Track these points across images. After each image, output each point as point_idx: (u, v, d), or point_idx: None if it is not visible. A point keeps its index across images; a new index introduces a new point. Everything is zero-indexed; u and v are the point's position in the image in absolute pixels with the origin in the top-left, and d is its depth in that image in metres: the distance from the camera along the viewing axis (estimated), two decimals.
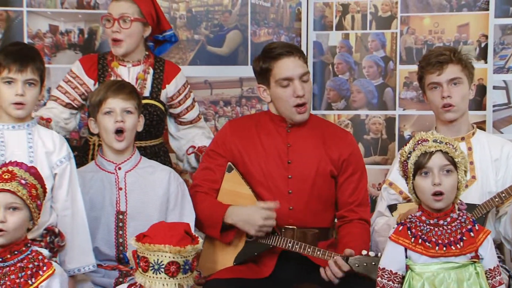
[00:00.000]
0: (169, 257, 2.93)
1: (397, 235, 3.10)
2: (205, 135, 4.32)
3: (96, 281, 3.59)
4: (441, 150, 3.06)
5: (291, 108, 3.72)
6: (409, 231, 3.09)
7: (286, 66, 3.70)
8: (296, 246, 3.60)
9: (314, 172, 3.73)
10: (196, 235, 3.07)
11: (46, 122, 3.72)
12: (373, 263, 3.41)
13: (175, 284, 2.95)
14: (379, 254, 3.41)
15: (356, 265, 3.44)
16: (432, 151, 3.06)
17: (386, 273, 3.09)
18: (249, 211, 3.64)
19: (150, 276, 2.95)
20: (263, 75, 3.78)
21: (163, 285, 2.94)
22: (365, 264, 3.43)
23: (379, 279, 3.11)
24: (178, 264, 2.95)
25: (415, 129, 4.79)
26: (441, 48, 3.98)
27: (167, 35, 4.27)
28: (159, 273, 2.94)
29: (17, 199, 3.03)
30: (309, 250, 3.58)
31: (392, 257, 3.10)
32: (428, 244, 3.06)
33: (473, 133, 3.85)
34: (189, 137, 4.27)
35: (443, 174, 3.06)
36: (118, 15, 4.02)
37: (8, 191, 3.01)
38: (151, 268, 2.94)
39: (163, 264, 2.94)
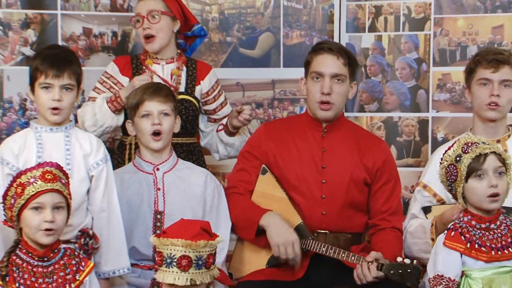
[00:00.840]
0: (181, 250, 2.92)
1: (451, 241, 3.08)
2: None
3: (132, 281, 3.62)
4: (494, 152, 3.06)
5: (316, 103, 3.74)
6: (462, 236, 3.07)
7: (322, 62, 3.74)
8: (330, 251, 3.60)
9: (348, 178, 3.74)
10: (216, 234, 3.06)
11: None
12: (408, 270, 3.41)
13: (186, 278, 2.93)
14: (414, 261, 3.40)
15: (391, 272, 3.43)
16: (487, 153, 3.06)
17: (445, 280, 3.06)
18: (283, 228, 3.64)
19: (163, 270, 2.95)
20: (305, 67, 3.83)
21: (175, 278, 2.93)
22: (400, 271, 3.42)
23: (435, 287, 3.08)
24: (190, 258, 2.93)
25: (448, 131, 4.76)
26: (499, 48, 3.96)
27: (196, 30, 4.31)
28: (171, 267, 2.93)
29: (62, 198, 3.10)
30: (343, 255, 3.57)
31: (449, 264, 3.08)
32: (483, 249, 3.06)
33: (509, 135, 3.83)
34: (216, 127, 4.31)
35: (497, 176, 3.07)
36: (146, 12, 4.06)
37: (57, 191, 3.07)
38: (164, 262, 2.94)
39: (175, 258, 2.93)
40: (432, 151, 4.59)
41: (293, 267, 3.64)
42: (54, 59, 3.37)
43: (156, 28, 4.07)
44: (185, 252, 2.92)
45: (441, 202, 3.77)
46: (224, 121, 4.24)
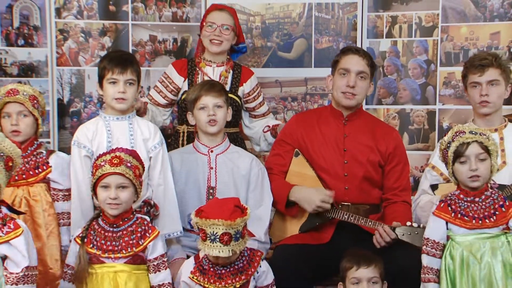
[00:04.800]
0: (222, 229, 2.96)
1: (439, 211, 3.12)
2: (274, 119, 4.37)
3: (188, 244, 3.63)
4: (476, 141, 3.04)
5: (341, 93, 3.72)
6: (449, 207, 3.11)
7: (349, 60, 3.73)
8: (351, 218, 3.61)
9: (365, 159, 3.72)
10: (246, 207, 3.09)
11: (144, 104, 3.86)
12: (416, 232, 3.42)
13: (228, 250, 2.99)
14: (421, 225, 3.40)
15: (402, 234, 3.45)
16: (469, 142, 3.05)
17: (430, 242, 3.11)
18: (309, 192, 3.66)
19: (208, 245, 2.99)
20: (333, 65, 3.81)
21: (219, 251, 2.98)
22: (409, 233, 3.44)
23: (424, 247, 3.13)
24: (230, 234, 2.98)
25: (452, 121, 4.71)
26: (485, 53, 3.93)
27: (242, 47, 4.31)
28: (215, 242, 2.98)
29: (125, 179, 3.11)
30: (362, 221, 3.59)
31: (435, 229, 3.11)
32: (466, 218, 3.07)
33: (505, 125, 3.78)
34: (261, 124, 4.29)
35: (479, 160, 3.06)
36: (220, 23, 4.07)
37: (119, 173, 3.09)
38: (208, 238, 2.99)
39: (218, 235, 2.97)
40: (439, 137, 4.59)
41: (323, 228, 3.67)
42: (119, 59, 3.44)
43: (224, 38, 4.08)
44: (226, 230, 2.97)
45: (447, 180, 3.72)
46: (270, 123, 4.24)
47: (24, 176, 3.38)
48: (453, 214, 3.08)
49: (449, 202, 3.11)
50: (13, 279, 2.82)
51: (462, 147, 3.05)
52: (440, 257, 3.09)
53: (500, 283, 3.00)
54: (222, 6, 4.24)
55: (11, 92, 3.40)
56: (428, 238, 3.12)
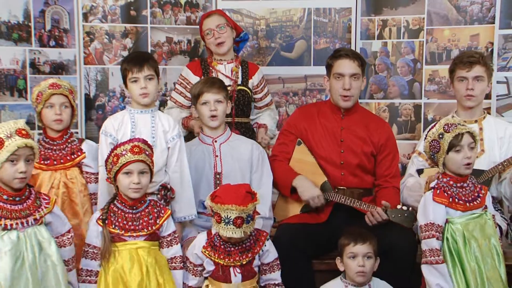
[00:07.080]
0: (236, 213, 2.99)
1: (438, 197, 3.09)
2: (271, 116, 4.34)
3: (201, 224, 3.65)
4: (468, 131, 3.06)
5: (338, 96, 3.72)
6: (445, 193, 3.09)
7: (342, 65, 3.70)
8: (348, 201, 3.63)
9: (360, 149, 3.74)
10: (255, 192, 3.11)
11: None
12: (406, 214, 3.44)
13: (241, 232, 3.03)
14: (410, 208, 3.41)
15: (393, 215, 3.47)
16: (463, 133, 3.05)
17: (435, 226, 3.05)
18: (309, 187, 3.67)
19: (222, 227, 3.03)
20: (328, 68, 3.80)
21: (232, 233, 3.02)
22: (399, 215, 3.46)
23: (427, 232, 3.07)
24: (242, 218, 3.02)
25: (436, 114, 4.72)
26: (473, 51, 3.93)
27: (243, 35, 4.30)
28: (229, 225, 3.01)
29: (146, 166, 3.12)
30: (357, 204, 3.61)
31: (437, 214, 3.07)
32: (460, 202, 3.08)
33: (484, 117, 3.82)
34: (258, 119, 4.30)
35: (469, 149, 3.07)
36: (215, 26, 4.08)
37: (141, 161, 3.10)
38: (222, 221, 3.02)
39: (231, 219, 3.00)
40: (424, 128, 4.60)
41: (320, 211, 3.69)
42: (136, 59, 3.44)
43: (224, 36, 4.09)
44: (238, 214, 3.00)
45: (431, 165, 3.73)
46: (259, 121, 4.25)
47: (62, 161, 3.42)
48: (450, 199, 3.07)
49: (443, 188, 3.09)
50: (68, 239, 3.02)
51: (457, 137, 3.04)
52: (442, 240, 3.06)
53: (495, 257, 3.04)
54: (209, 13, 4.26)
55: (54, 85, 3.43)
56: (433, 223, 3.05)
